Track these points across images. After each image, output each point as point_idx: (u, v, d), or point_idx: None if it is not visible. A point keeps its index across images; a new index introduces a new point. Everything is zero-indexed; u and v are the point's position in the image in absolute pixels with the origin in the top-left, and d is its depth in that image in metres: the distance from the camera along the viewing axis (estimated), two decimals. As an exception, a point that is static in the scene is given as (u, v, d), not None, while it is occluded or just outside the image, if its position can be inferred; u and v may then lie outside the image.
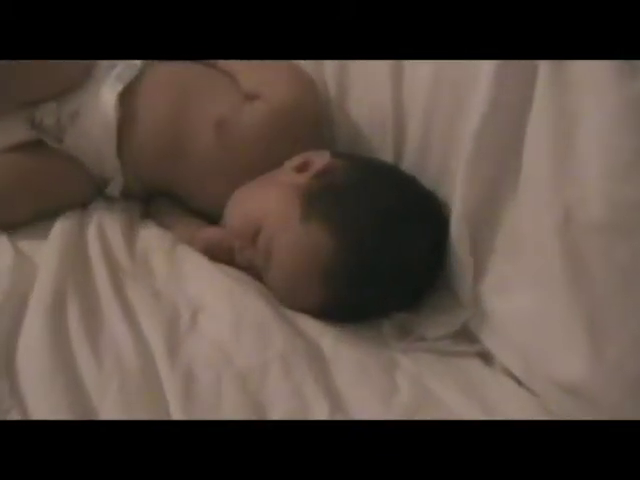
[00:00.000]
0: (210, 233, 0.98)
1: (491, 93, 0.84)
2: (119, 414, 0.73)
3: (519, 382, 0.87)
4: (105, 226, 0.98)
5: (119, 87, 1.00)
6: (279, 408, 0.77)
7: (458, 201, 0.89)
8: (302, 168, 0.95)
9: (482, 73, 0.85)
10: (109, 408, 0.74)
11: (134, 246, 0.97)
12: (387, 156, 0.99)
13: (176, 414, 0.74)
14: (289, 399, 0.78)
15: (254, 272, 0.94)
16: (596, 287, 0.78)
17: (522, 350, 0.86)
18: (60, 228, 0.96)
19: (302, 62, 1.04)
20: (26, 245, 0.94)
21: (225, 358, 0.82)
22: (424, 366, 0.88)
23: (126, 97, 1.00)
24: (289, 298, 0.91)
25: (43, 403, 0.74)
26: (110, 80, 1.01)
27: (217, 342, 0.84)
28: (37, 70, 0.99)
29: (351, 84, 1.02)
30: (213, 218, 1.02)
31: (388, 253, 0.89)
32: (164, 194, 1.06)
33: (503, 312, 0.89)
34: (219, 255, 0.96)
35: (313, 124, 1.00)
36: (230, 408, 0.76)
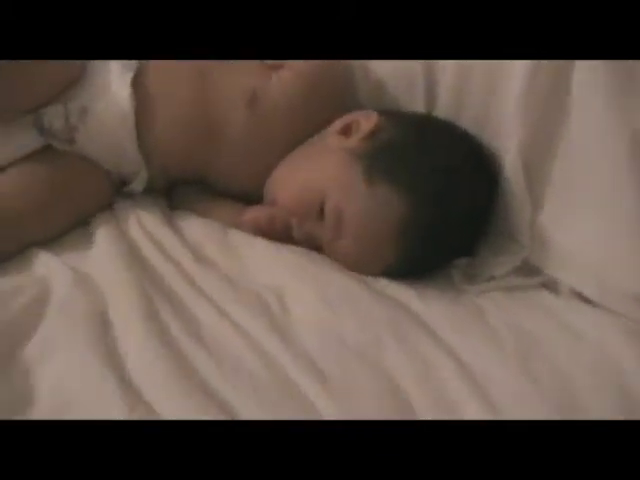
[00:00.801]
0: (258, 213, 0.95)
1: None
2: (264, 413, 0.70)
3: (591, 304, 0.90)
4: (145, 224, 0.93)
5: (129, 74, 0.94)
6: (409, 375, 0.76)
7: (511, 142, 0.90)
8: (347, 131, 0.93)
9: None
10: (252, 407, 0.70)
11: (184, 239, 0.91)
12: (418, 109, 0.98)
13: (319, 401, 0.72)
14: (415, 364, 0.78)
15: (313, 245, 0.92)
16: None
17: (592, 272, 0.89)
18: (102, 235, 0.90)
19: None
20: (73, 258, 0.88)
21: (337, 337, 0.80)
22: (504, 306, 0.89)
23: (138, 84, 0.94)
24: (361, 263, 0.90)
25: (175, 410, 0.69)
26: (117, 68, 0.94)
27: (318, 323, 0.81)
28: (34, 71, 0.91)
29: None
30: (248, 199, 0.99)
31: (452, 204, 0.90)
32: (188, 182, 1.01)
33: (566, 240, 0.91)
34: (271, 234, 0.93)
35: (341, 85, 0.99)
36: (365, 386, 0.75)
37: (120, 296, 0.81)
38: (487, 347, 0.81)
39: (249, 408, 0.70)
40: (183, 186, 1.01)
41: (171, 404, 0.69)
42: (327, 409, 0.71)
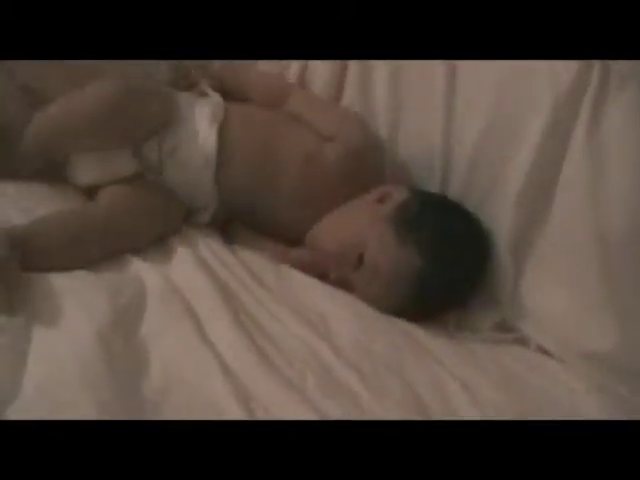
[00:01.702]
0: (303, 254, 1.18)
1: (540, 141, 1.12)
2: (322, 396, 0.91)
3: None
4: (214, 249, 1.14)
5: (215, 125, 1.17)
6: (424, 384, 0.99)
7: (506, 224, 1.16)
8: (382, 199, 1.18)
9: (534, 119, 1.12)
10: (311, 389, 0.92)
11: (246, 265, 1.13)
12: (434, 186, 1.25)
13: (360, 392, 0.94)
14: (428, 377, 1.01)
15: (344, 286, 1.15)
16: (624, 282, 1.09)
17: (557, 333, 1.15)
18: (181, 253, 1.11)
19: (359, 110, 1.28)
20: (159, 267, 1.07)
21: (369, 351, 1.03)
22: (487, 349, 1.15)
23: (221, 132, 1.18)
24: (384, 304, 1.13)
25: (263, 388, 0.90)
26: (205, 118, 1.18)
27: (354, 339, 1.04)
28: (139, 114, 1.13)
29: (401, 125, 1.27)
30: (289, 239, 1.22)
31: (457, 265, 1.15)
32: (243, 219, 1.23)
33: (539, 305, 1.17)
34: (310, 272, 1.16)
35: (377, 160, 1.24)
36: (392, 387, 0.97)
37: (204, 299, 1.02)
38: (479, 375, 1.05)
39: (310, 390, 0.92)
40: (237, 223, 1.24)
41: (262, 385, 0.90)
42: (364, 398, 0.93)
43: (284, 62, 1.33)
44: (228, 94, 1.28)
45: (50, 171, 1.17)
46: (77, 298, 0.95)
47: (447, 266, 1.14)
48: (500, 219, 1.18)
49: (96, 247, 1.07)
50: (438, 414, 0.95)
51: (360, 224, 1.16)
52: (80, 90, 1.12)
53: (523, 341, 1.18)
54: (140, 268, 1.06)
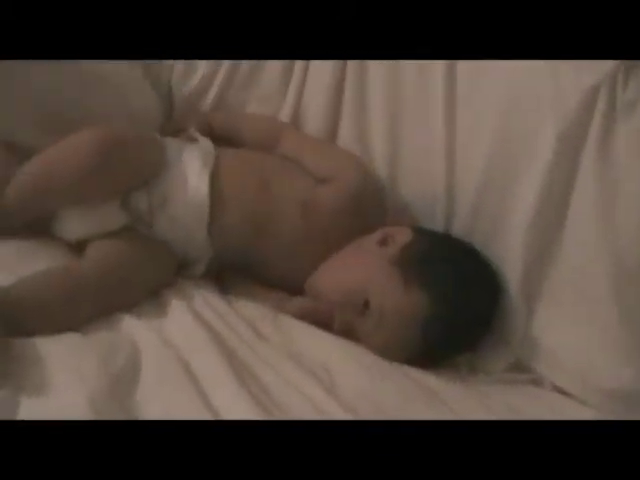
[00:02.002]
0: (303, 303, 1.13)
1: (547, 175, 1.07)
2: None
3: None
4: (210, 302, 1.08)
5: (207, 173, 1.12)
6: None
7: (514, 263, 1.11)
8: (384, 241, 1.13)
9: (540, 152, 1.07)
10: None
11: (243, 317, 1.07)
12: (438, 225, 1.19)
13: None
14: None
15: (348, 334, 1.09)
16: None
17: (573, 371, 1.10)
18: (175, 307, 1.05)
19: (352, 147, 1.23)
20: (153, 323, 1.02)
21: (378, 402, 0.97)
22: (500, 391, 1.09)
23: (212, 182, 1.12)
24: (391, 351, 1.07)
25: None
26: (195, 166, 1.12)
27: (362, 392, 0.98)
28: (125, 163, 1.08)
29: (401, 164, 1.22)
30: (286, 288, 1.16)
31: (468, 308, 1.10)
32: (238, 269, 1.17)
33: (553, 344, 1.12)
34: (312, 322, 1.10)
35: (377, 201, 1.19)
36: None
37: (201, 357, 0.96)
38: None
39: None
40: (232, 272, 1.18)
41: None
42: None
43: (275, 103, 1.28)
44: (218, 139, 1.23)
45: (34, 226, 1.11)
46: (67, 364, 0.89)
47: (457, 309, 1.08)
48: (508, 256, 1.13)
49: (87, 307, 1.01)
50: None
51: (363, 268, 1.11)
52: (62, 142, 1.07)
53: (538, 381, 1.13)
54: (133, 326, 1.00)
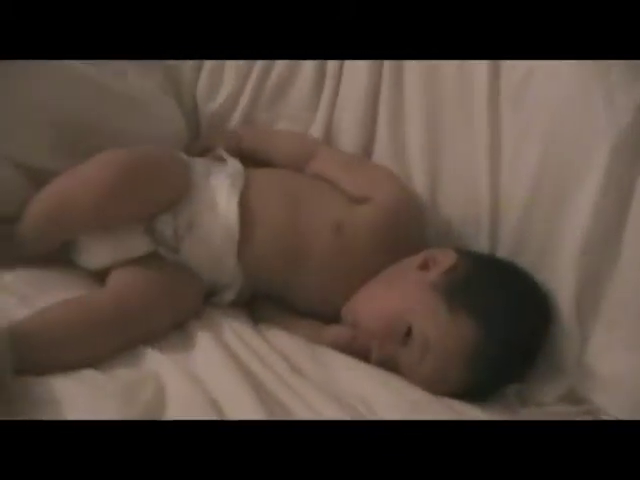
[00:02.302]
0: (340, 332, 1.05)
1: (601, 188, 0.99)
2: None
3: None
4: (239, 333, 1.01)
5: (236, 194, 1.05)
6: None
7: (566, 284, 1.03)
8: (426, 265, 1.05)
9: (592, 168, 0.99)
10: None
11: (275, 349, 1.00)
12: (482, 247, 1.12)
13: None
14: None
15: (388, 365, 1.01)
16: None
17: (633, 403, 1.01)
18: (202, 339, 0.98)
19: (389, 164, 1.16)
20: (178, 359, 0.95)
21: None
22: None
23: (242, 205, 1.05)
24: (435, 384, 0.99)
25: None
26: (223, 187, 1.06)
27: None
28: (151, 186, 1.02)
29: (442, 183, 1.14)
30: (322, 317, 1.09)
31: (517, 335, 1.02)
32: (269, 297, 1.10)
33: (610, 372, 1.03)
34: (350, 352, 1.02)
35: (417, 221, 1.12)
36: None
37: (231, 395, 0.88)
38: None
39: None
40: (263, 301, 1.11)
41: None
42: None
43: (306, 118, 1.21)
44: (247, 158, 1.16)
45: (54, 254, 1.04)
46: (84, 405, 0.82)
47: (507, 336, 1.00)
48: (559, 278, 1.05)
49: (107, 340, 0.94)
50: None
51: (404, 294, 1.03)
52: (82, 165, 1.01)
53: (594, 413, 1.04)
54: (157, 361, 0.93)
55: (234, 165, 1.11)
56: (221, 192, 1.05)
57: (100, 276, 1.04)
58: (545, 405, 1.05)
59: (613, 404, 1.03)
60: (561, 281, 1.04)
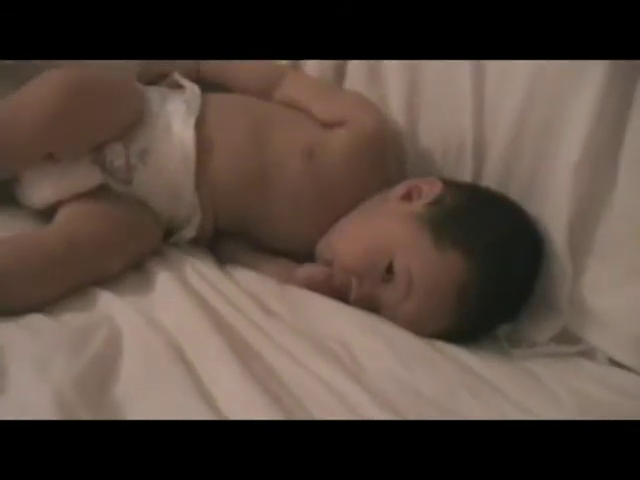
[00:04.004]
0: (314, 270, 0.96)
1: (596, 107, 0.90)
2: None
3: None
4: (204, 273, 0.91)
5: (192, 119, 0.95)
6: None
7: (558, 214, 0.95)
8: (409, 196, 0.96)
9: (586, 86, 0.91)
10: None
11: (243, 289, 0.91)
12: (465, 177, 1.02)
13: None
14: (492, 416, 0.78)
15: (368, 305, 0.93)
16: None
17: (632, 341, 0.93)
18: (163, 280, 0.89)
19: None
20: (136, 301, 0.85)
21: (413, 389, 0.80)
22: (553, 370, 0.92)
23: (199, 128, 0.95)
24: (421, 325, 0.91)
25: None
26: (179, 112, 0.96)
27: (393, 376, 0.82)
28: (97, 111, 0.92)
29: (421, 108, 1.04)
30: (293, 255, 1.00)
31: (508, 270, 0.93)
32: (233, 235, 1.01)
33: (606, 308, 0.95)
34: (325, 292, 0.93)
35: (395, 148, 1.02)
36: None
37: (195, 340, 0.79)
38: (551, 406, 0.83)
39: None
40: (228, 239, 1.01)
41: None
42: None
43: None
44: (207, 85, 1.05)
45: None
46: (29, 352, 0.73)
47: (498, 270, 0.92)
48: (551, 210, 0.96)
49: (56, 282, 0.85)
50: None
51: (385, 228, 0.94)
52: (25, 86, 0.90)
53: (589, 353, 0.96)
54: (111, 304, 0.84)
55: (193, 90, 1.00)
56: (177, 117, 0.96)
57: (48, 216, 0.93)
58: (537, 345, 0.97)
59: (609, 343, 0.95)
60: (552, 213, 0.96)
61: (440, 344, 0.90)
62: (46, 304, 0.83)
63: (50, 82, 0.90)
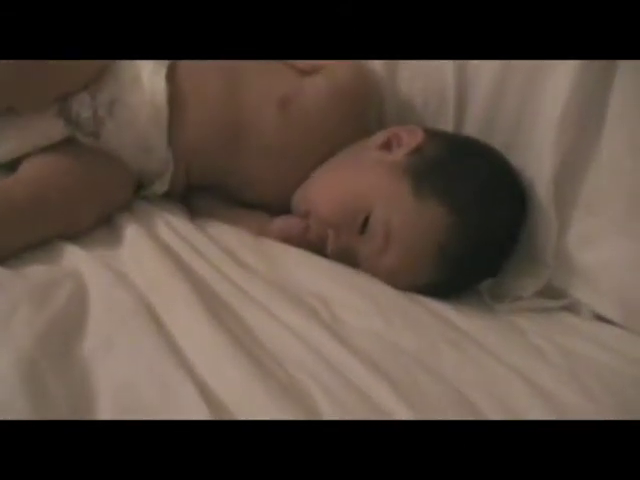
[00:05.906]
0: (289, 222, 0.92)
1: (580, 62, 0.87)
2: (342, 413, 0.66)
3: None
4: (176, 227, 0.88)
5: (164, 68, 0.91)
6: (470, 380, 0.74)
7: (543, 166, 0.91)
8: (389, 144, 0.92)
9: None
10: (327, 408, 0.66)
11: (217, 243, 0.87)
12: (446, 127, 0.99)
13: (391, 405, 0.68)
14: (474, 370, 0.76)
15: (346, 258, 0.90)
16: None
17: (616, 295, 0.91)
18: (132, 235, 0.85)
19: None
20: (104, 255, 0.82)
21: (394, 345, 0.77)
22: (538, 324, 0.90)
23: (170, 79, 0.91)
24: (400, 279, 0.88)
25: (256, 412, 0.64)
26: (149, 62, 0.91)
27: (373, 330, 0.79)
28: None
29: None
30: (269, 208, 0.96)
31: (491, 222, 0.90)
32: (207, 189, 0.97)
33: (591, 262, 0.92)
34: (301, 245, 0.90)
35: (371, 99, 0.98)
36: (430, 389, 0.72)
37: (168, 295, 0.76)
38: (536, 361, 0.81)
39: (326, 410, 0.66)
40: (202, 192, 0.98)
41: (251, 406, 0.64)
42: (400, 412, 0.67)
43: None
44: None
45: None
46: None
47: (480, 222, 0.89)
48: (535, 160, 0.93)
49: (19, 235, 0.81)
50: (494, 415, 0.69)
51: (363, 178, 0.90)
52: None
53: (574, 308, 0.94)
54: (78, 258, 0.80)
55: None
56: (147, 66, 0.91)
57: (10, 171, 0.89)
58: (520, 299, 0.94)
59: (594, 297, 0.93)
60: (537, 163, 0.93)
61: (421, 298, 0.88)
62: (5, 258, 0.78)
63: None
